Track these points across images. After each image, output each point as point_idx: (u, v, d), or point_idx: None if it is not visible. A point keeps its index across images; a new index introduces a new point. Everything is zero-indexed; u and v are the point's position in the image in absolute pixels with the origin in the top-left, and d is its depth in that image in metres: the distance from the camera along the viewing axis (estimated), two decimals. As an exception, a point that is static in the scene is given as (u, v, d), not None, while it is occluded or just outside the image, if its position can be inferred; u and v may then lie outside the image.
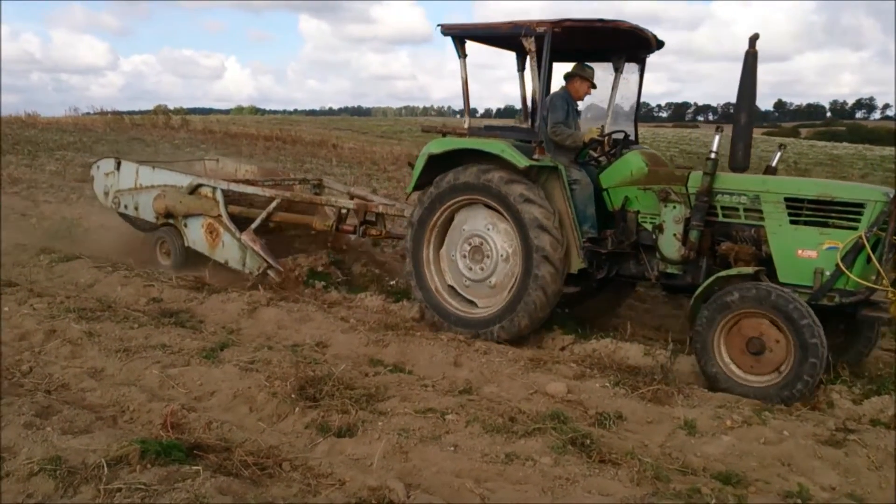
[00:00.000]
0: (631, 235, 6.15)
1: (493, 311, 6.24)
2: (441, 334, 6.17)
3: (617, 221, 6.24)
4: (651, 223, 6.09)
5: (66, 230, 10.17)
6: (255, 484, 3.47)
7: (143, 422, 4.21)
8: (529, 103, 7.18)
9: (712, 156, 5.66)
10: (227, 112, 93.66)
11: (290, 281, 7.67)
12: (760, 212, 5.62)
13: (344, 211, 8.00)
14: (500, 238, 6.31)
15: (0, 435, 3.69)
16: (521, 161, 6.00)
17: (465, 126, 6.74)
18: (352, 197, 8.53)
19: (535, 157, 6.10)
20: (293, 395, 4.48)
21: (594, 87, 6.74)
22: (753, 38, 5.44)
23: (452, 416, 4.31)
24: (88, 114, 34.42)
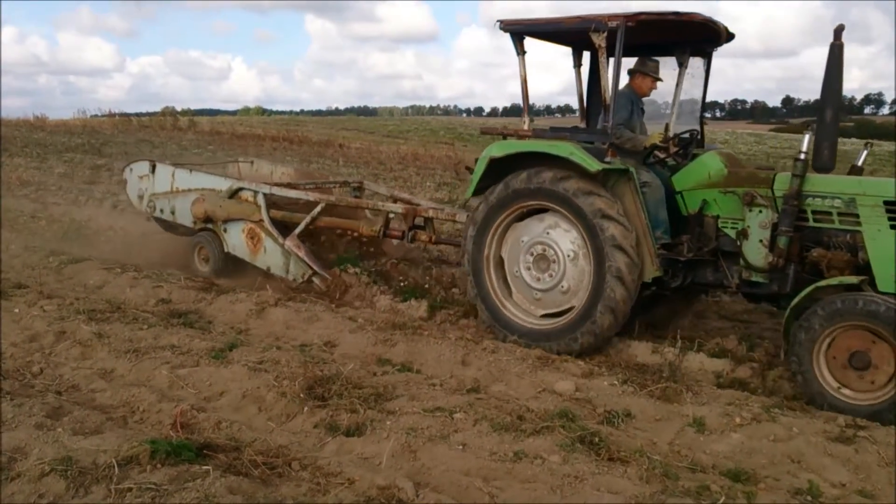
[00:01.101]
0: (710, 241, 5.80)
1: (571, 318, 5.89)
2: (448, 333, 6.17)
3: (692, 226, 5.91)
4: (733, 228, 5.74)
5: (75, 232, 10.21)
6: (265, 483, 3.48)
7: (153, 422, 4.23)
8: (587, 102, 6.90)
9: (801, 156, 5.27)
10: (233, 113, 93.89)
11: (337, 288, 7.36)
12: (856, 216, 5.23)
13: (392, 215, 7.72)
14: (562, 239, 5.96)
15: (7, 436, 3.71)
16: (593, 165, 5.63)
17: (525, 127, 6.37)
18: (396, 200, 8.24)
19: (607, 159, 5.76)
20: (302, 395, 4.49)
21: (660, 81, 6.48)
22: (839, 30, 5.09)
23: (461, 414, 4.31)
24: (96, 116, 34.66)
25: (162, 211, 8.62)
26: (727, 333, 6.37)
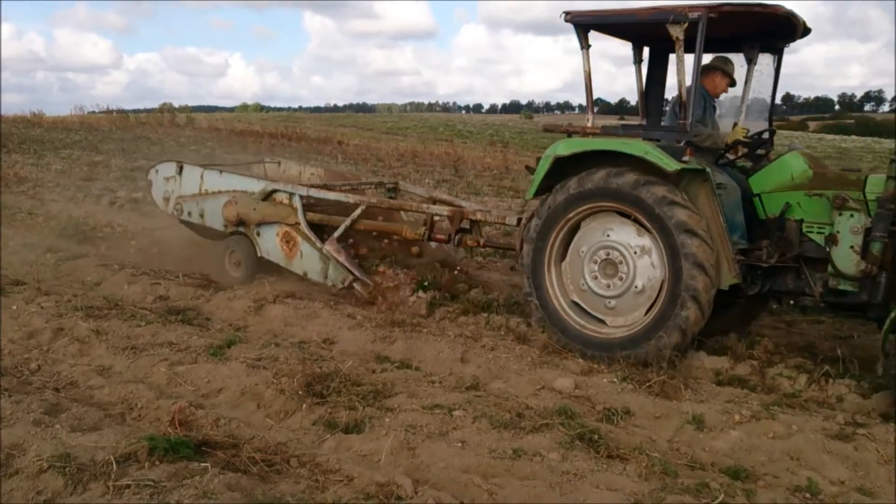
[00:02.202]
0: (792, 247, 5.46)
1: (635, 330, 5.54)
2: (448, 330, 6.16)
3: (771, 231, 5.59)
4: (819, 233, 5.39)
5: (73, 228, 10.18)
6: (263, 480, 3.47)
7: (152, 419, 4.22)
8: (646, 100, 6.57)
9: None
10: (231, 110, 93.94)
11: (382, 295, 7.03)
12: None
13: (437, 218, 7.32)
14: (625, 236, 5.62)
15: (5, 433, 3.70)
16: (670, 164, 5.29)
17: (589, 124, 6.06)
18: (435, 201, 7.83)
19: (685, 158, 5.40)
20: (300, 392, 4.49)
21: (734, 84, 6.21)
22: None
23: (460, 412, 4.31)
24: (94, 112, 34.60)
25: (190, 214, 8.24)
26: (727, 331, 6.34)
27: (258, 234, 7.68)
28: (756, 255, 5.58)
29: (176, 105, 44.60)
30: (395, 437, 3.95)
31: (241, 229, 7.79)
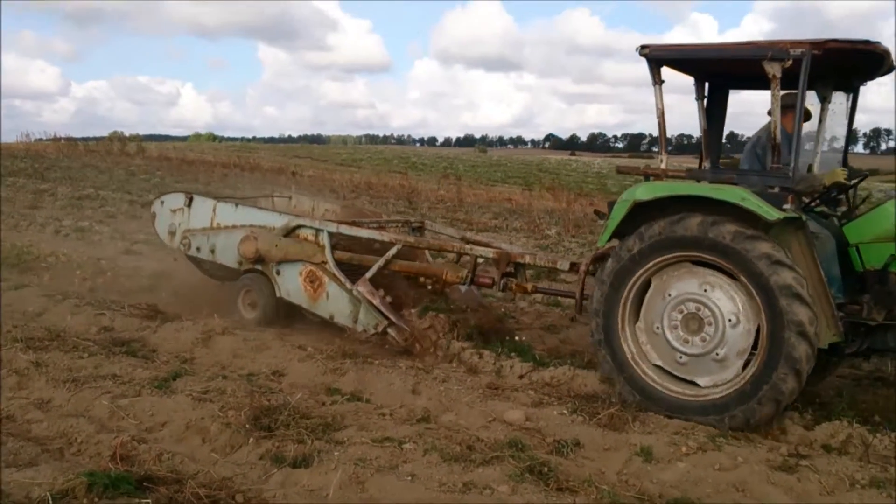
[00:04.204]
0: None
1: (724, 394, 5.05)
2: (399, 362, 6.13)
3: (870, 284, 5.17)
4: None
5: (15, 257, 9.90)
6: (207, 517, 3.39)
7: (92, 454, 4.09)
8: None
9: None
10: (184, 139, 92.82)
11: (418, 343, 6.57)
12: None
13: (481, 260, 6.90)
14: (723, 300, 5.10)
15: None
16: (771, 213, 4.84)
17: (663, 165, 5.64)
18: (468, 242, 7.41)
19: (786, 206, 4.99)
20: (247, 426, 4.41)
21: (808, 120, 5.74)
22: None
23: (410, 444, 4.28)
24: (41, 140, 33.88)
25: (199, 249, 7.70)
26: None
27: (278, 272, 7.17)
28: (850, 309, 5.19)
29: (126, 133, 44.00)
30: (344, 471, 3.89)
31: (259, 267, 7.28)
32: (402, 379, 5.56)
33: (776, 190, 5.14)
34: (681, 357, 5.25)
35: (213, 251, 7.62)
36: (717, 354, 5.11)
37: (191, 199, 7.85)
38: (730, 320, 5.06)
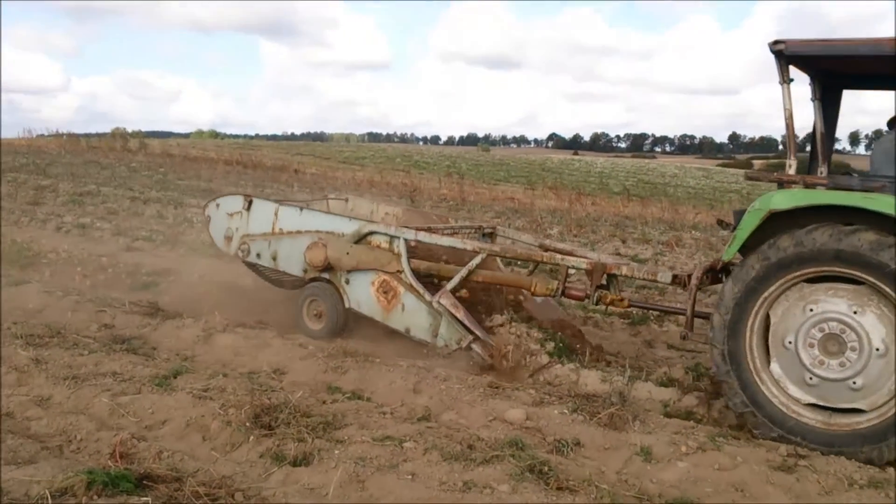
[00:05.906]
0: None
1: (869, 425, 4.61)
2: (400, 360, 6.11)
3: None
4: None
5: (16, 253, 9.91)
6: (207, 515, 3.39)
7: (91, 451, 4.09)
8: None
9: None
10: (187, 136, 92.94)
11: (504, 359, 6.13)
12: None
13: (572, 271, 6.41)
14: (873, 326, 4.63)
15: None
16: None
17: (790, 171, 5.13)
18: (547, 250, 6.96)
19: None
20: (248, 424, 4.40)
21: None
22: None
23: (410, 443, 4.27)
24: (43, 135, 33.95)
25: (259, 255, 7.29)
26: (674, 363, 6.43)
27: (347, 281, 6.77)
28: None
29: (129, 130, 44.05)
30: (345, 469, 3.89)
31: (326, 276, 6.89)
32: (403, 377, 5.56)
33: None
34: (810, 378, 4.82)
35: (274, 258, 7.22)
36: (853, 383, 4.70)
37: (250, 203, 7.45)
38: (877, 350, 4.63)
